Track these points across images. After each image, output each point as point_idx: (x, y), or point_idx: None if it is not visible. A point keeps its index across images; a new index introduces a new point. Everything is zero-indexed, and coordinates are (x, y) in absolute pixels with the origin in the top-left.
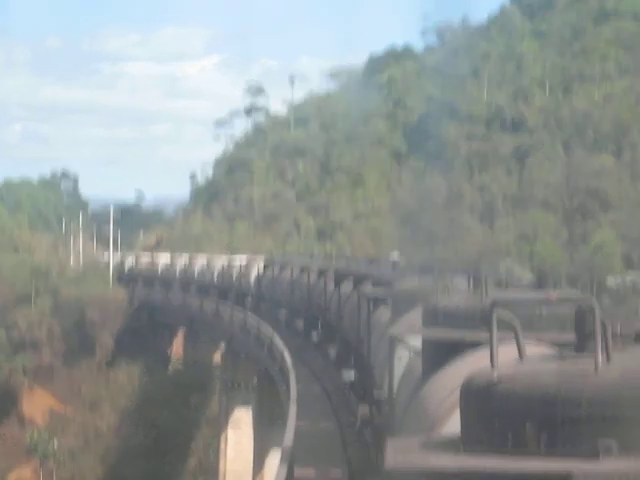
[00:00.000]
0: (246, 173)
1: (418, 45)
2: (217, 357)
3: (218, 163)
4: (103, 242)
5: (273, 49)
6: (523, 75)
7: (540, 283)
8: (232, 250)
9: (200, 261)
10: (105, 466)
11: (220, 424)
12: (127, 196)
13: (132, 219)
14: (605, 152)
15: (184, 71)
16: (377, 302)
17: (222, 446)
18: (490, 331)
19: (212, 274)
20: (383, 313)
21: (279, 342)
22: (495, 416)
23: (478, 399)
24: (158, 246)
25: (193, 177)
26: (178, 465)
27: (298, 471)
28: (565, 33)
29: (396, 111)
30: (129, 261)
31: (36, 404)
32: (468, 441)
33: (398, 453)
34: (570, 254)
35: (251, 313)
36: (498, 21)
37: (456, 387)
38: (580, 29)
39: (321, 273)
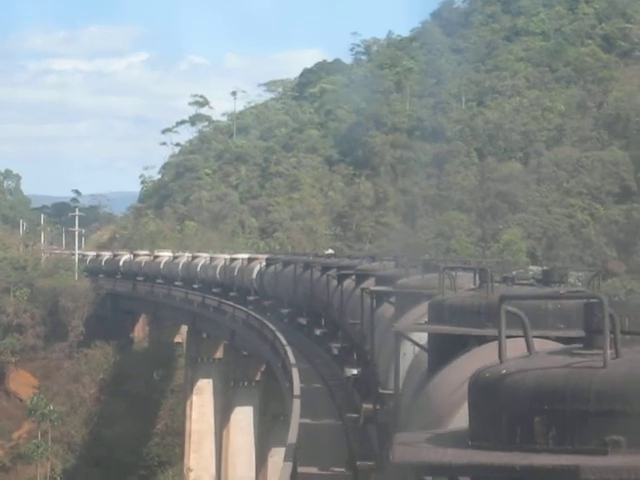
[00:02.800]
0: (194, 177)
1: (347, 58)
2: (179, 337)
3: (166, 167)
4: (54, 239)
5: (200, 46)
6: (442, 88)
7: (546, 279)
8: (234, 250)
9: (202, 258)
10: (88, 428)
11: (186, 392)
12: (63, 194)
13: (69, 217)
14: (514, 159)
15: (111, 68)
16: (380, 298)
17: (187, 410)
18: (499, 325)
19: (214, 270)
20: (387, 309)
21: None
22: (503, 411)
23: (486, 394)
24: (111, 243)
25: (143, 180)
26: (149, 427)
27: (302, 468)
28: (480, 49)
29: (328, 121)
30: (125, 257)
31: (19, 381)
32: (476, 436)
33: (406, 447)
34: (482, 250)
35: (252, 309)
36: (420, 37)
37: (462, 383)
38: (494, 46)
39: (324, 270)
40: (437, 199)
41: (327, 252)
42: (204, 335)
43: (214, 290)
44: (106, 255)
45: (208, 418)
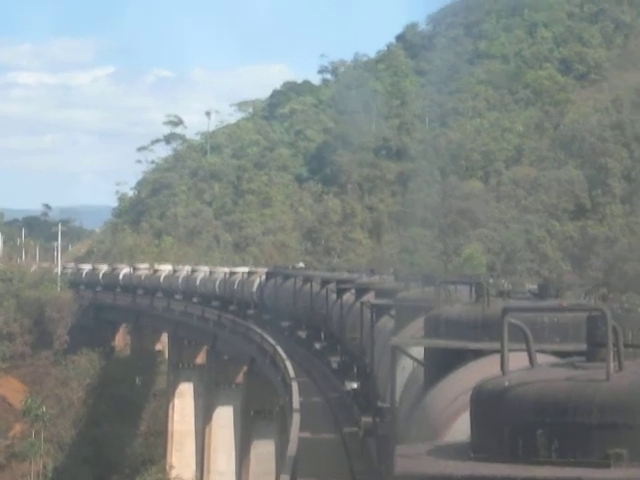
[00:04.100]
0: (169, 194)
1: (315, 79)
2: (160, 345)
3: (141, 183)
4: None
5: (166, 60)
6: (406, 109)
7: (542, 293)
8: (212, 264)
9: (202, 272)
10: (77, 429)
11: (168, 395)
12: (30, 207)
13: (40, 230)
14: (475, 178)
15: (76, 81)
16: (380, 311)
17: (170, 412)
18: (502, 337)
19: (214, 283)
20: (386, 323)
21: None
22: (505, 423)
23: (488, 406)
24: (89, 257)
25: (119, 196)
26: (133, 428)
27: None
28: (443, 72)
29: (297, 140)
30: (124, 271)
31: (8, 387)
32: (478, 447)
33: (407, 459)
34: (444, 264)
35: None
36: (385, 59)
37: (458, 396)
38: (456, 69)
39: (324, 283)
40: (402, 215)
41: (298, 265)
42: (185, 342)
43: (214, 303)
44: (104, 268)
45: (189, 419)
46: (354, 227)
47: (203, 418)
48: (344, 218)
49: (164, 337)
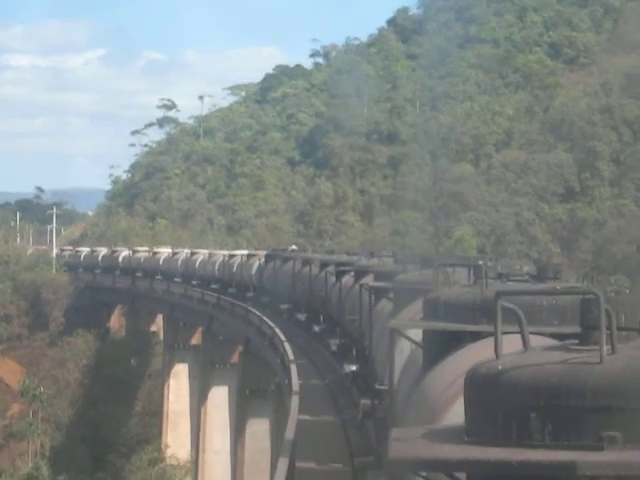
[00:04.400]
0: (163, 177)
1: (307, 63)
2: (155, 327)
3: (135, 167)
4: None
5: (157, 42)
6: (397, 93)
7: (541, 275)
8: (205, 245)
9: (201, 254)
10: (73, 409)
11: (163, 376)
12: (23, 190)
13: (33, 213)
14: (465, 161)
15: (68, 64)
16: (379, 294)
17: (165, 392)
18: (495, 321)
19: (213, 266)
20: (385, 305)
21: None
22: (499, 406)
23: (482, 389)
24: (83, 240)
25: (113, 179)
26: (128, 409)
27: (300, 464)
28: (434, 56)
29: (289, 124)
30: (123, 253)
31: (5, 368)
32: (472, 431)
33: (401, 443)
34: (435, 246)
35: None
36: (376, 43)
37: (457, 379)
38: (447, 53)
39: (323, 266)
40: (393, 199)
41: (291, 248)
42: (181, 323)
43: (213, 286)
44: (103, 251)
45: (184, 400)
46: (346, 210)
47: (198, 398)
48: (336, 201)
49: (159, 319)
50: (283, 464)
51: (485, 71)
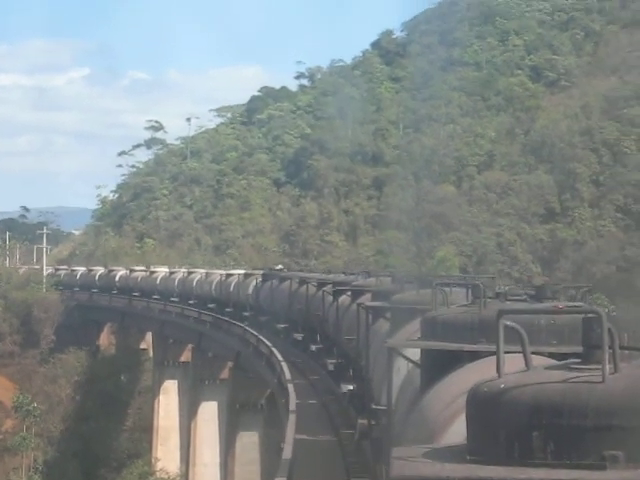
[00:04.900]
0: (151, 197)
1: (293, 85)
2: (145, 344)
3: (123, 187)
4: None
5: (142, 61)
6: (381, 116)
7: (539, 295)
8: (192, 265)
9: (198, 274)
10: (65, 424)
11: (153, 392)
12: (10, 210)
13: (18, 232)
14: (448, 182)
15: (52, 83)
16: (376, 314)
17: (155, 407)
18: (497, 340)
19: (210, 285)
20: (382, 325)
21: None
22: (501, 425)
23: (485, 408)
24: (71, 259)
25: (101, 199)
26: (119, 424)
27: None
28: (417, 79)
29: (275, 146)
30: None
31: None
32: (474, 450)
33: (403, 462)
34: (418, 266)
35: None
36: (361, 65)
37: (455, 398)
38: (430, 76)
39: (320, 285)
40: (377, 219)
41: (277, 267)
42: (170, 341)
43: (209, 305)
44: (100, 270)
45: (174, 415)
46: (331, 230)
47: (188, 413)
48: (321, 221)
49: (148, 336)
50: None
51: (467, 94)
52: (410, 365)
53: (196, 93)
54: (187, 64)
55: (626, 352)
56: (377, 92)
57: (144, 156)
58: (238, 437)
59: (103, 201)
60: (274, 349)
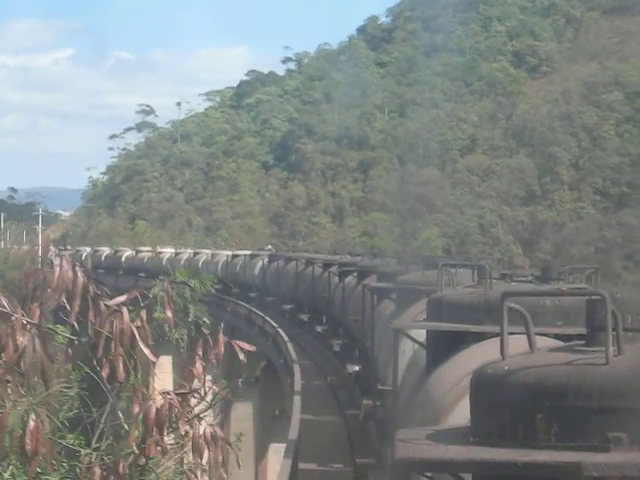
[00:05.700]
0: (142, 180)
1: (280, 70)
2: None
3: (113, 170)
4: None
5: (126, 41)
6: (367, 100)
7: (544, 276)
8: (184, 245)
9: (204, 254)
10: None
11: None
12: None
13: (8, 213)
14: (431, 166)
15: (37, 63)
16: (381, 295)
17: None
18: (501, 322)
19: (216, 266)
20: (387, 306)
21: None
22: (505, 407)
23: (488, 390)
24: (64, 240)
25: (92, 181)
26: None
27: (302, 465)
28: (402, 64)
29: (264, 129)
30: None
31: None
32: (478, 432)
33: (407, 444)
34: (403, 247)
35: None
36: (346, 50)
37: (460, 379)
38: (414, 61)
39: (326, 266)
40: (362, 201)
41: (266, 248)
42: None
43: (216, 286)
44: (106, 251)
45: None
46: (318, 212)
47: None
48: (308, 203)
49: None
50: (286, 465)
51: (451, 79)
52: (416, 346)
53: (181, 73)
54: (173, 45)
55: (630, 334)
56: (363, 77)
57: (134, 139)
58: (233, 407)
59: (94, 183)
60: (280, 330)
